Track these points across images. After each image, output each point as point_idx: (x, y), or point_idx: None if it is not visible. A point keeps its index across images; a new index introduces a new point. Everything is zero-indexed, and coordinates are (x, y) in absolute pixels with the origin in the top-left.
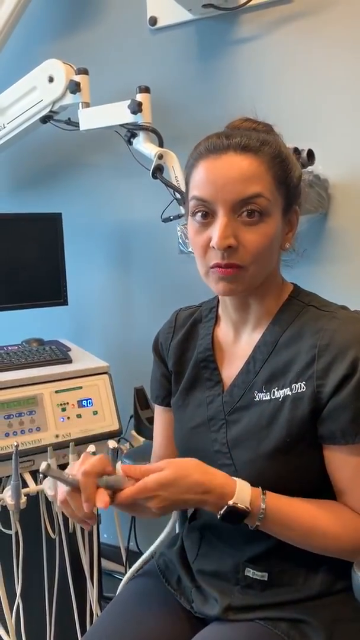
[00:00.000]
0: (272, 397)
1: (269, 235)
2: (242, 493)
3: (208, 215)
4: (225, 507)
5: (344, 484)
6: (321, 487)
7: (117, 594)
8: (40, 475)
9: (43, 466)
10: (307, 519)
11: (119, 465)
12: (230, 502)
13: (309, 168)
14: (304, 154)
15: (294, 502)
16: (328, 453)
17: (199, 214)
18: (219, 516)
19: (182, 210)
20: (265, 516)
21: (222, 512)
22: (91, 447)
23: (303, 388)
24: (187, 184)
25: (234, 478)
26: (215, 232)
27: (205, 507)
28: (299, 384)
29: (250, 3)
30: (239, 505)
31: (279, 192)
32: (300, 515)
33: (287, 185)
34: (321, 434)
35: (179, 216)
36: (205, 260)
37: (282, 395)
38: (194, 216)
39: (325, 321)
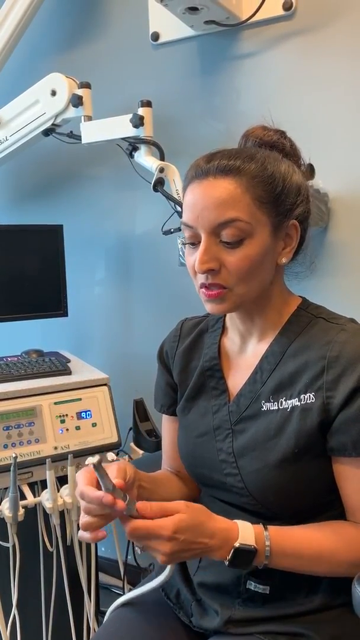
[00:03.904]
0: (280, 407)
1: (251, 257)
2: (246, 532)
3: (194, 239)
4: (232, 550)
5: (354, 497)
6: (328, 499)
7: (112, 608)
8: (91, 466)
9: (94, 459)
10: (313, 546)
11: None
12: (237, 544)
13: (309, 182)
14: (304, 168)
15: (296, 531)
16: (338, 466)
17: (186, 237)
18: (227, 562)
19: None
20: (271, 551)
21: (229, 556)
22: (90, 459)
23: (312, 399)
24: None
25: (235, 520)
26: (197, 255)
27: (211, 555)
28: (307, 394)
29: (252, 19)
30: (245, 545)
31: (262, 212)
32: (305, 544)
33: (274, 202)
34: (331, 446)
35: (179, 229)
36: (195, 280)
37: (290, 406)
38: (185, 239)
39: (334, 333)
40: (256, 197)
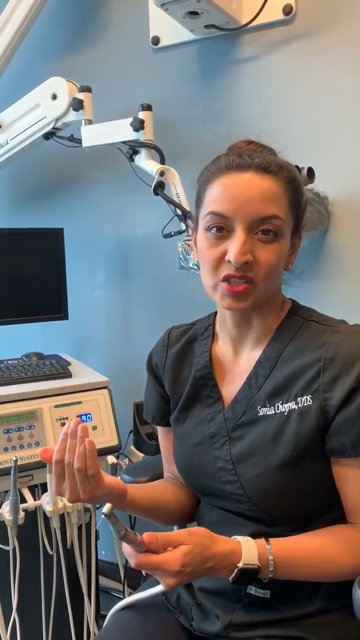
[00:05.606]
0: (277, 412)
1: (281, 255)
2: (249, 552)
3: (224, 230)
4: (236, 570)
5: (354, 498)
6: (329, 501)
7: (113, 612)
8: (103, 516)
9: (106, 509)
10: (316, 555)
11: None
12: (240, 565)
13: (309, 186)
14: (304, 172)
15: (299, 541)
16: (338, 467)
17: (215, 228)
18: (231, 580)
19: (183, 227)
20: (275, 564)
21: (233, 575)
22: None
23: (309, 402)
24: (200, 197)
25: (237, 539)
26: (233, 247)
27: (215, 574)
28: (304, 397)
29: (252, 24)
30: (249, 565)
31: (291, 215)
32: (308, 553)
33: (298, 209)
34: (331, 447)
35: (179, 232)
36: (216, 273)
37: (287, 410)
38: (209, 230)
39: (328, 335)
40: (291, 200)
